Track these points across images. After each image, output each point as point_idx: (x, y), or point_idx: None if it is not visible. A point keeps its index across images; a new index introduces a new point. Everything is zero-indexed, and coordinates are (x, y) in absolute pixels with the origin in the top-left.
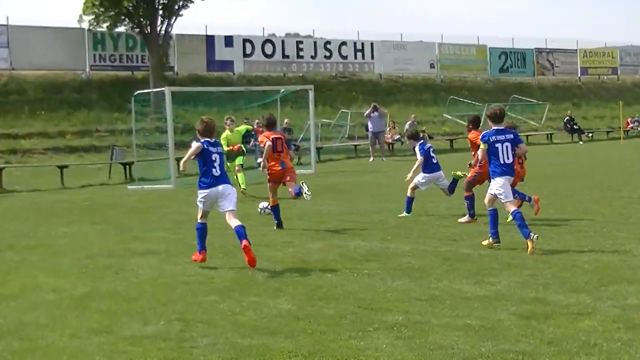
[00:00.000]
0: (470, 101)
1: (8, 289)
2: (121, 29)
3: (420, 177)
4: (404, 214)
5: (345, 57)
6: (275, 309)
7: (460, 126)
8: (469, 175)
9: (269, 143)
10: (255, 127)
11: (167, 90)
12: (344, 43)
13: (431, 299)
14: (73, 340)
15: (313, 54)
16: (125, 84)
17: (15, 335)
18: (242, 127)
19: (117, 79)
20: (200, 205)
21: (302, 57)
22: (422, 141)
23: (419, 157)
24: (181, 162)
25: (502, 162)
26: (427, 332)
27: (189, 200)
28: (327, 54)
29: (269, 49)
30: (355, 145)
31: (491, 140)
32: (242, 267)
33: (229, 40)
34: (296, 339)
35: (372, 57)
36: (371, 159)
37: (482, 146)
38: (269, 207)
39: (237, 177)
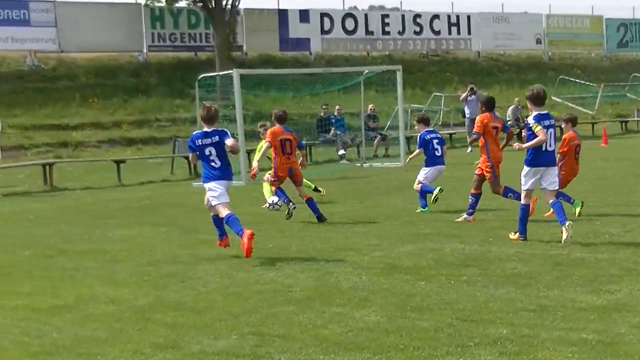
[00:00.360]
0: (583, 81)
1: (62, 300)
2: (182, 3)
3: (422, 173)
4: (419, 209)
5: (437, 33)
6: (361, 322)
7: (572, 111)
8: (480, 169)
9: (267, 144)
10: (336, 113)
11: (235, 73)
12: (436, 16)
13: (540, 310)
14: (135, 356)
15: (400, 30)
16: (187, 66)
17: (71, 351)
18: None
19: (178, 61)
20: (208, 195)
21: (388, 33)
22: (430, 129)
23: (418, 147)
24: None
25: (544, 148)
26: (535, 347)
27: (262, 199)
28: (417, 29)
29: (350, 24)
30: (450, 134)
31: (542, 124)
32: (323, 273)
33: (304, 15)
34: (386, 355)
35: (469, 32)
36: (469, 149)
37: (539, 127)
38: (277, 202)
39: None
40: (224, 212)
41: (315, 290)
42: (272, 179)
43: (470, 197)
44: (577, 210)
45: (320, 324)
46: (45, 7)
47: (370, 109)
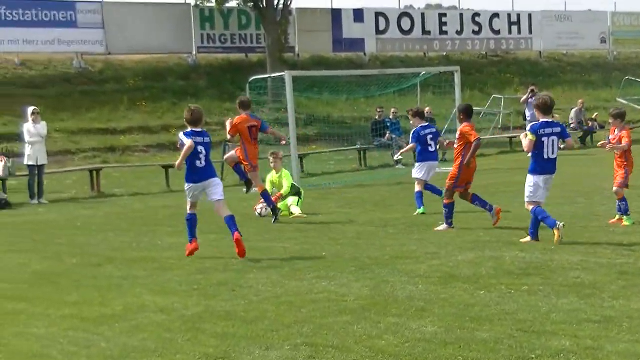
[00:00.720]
0: None
1: (110, 309)
2: (233, 3)
3: (415, 169)
4: (417, 211)
5: (497, 32)
6: (418, 332)
7: (637, 113)
8: (448, 178)
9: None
10: (392, 116)
11: (287, 75)
12: (496, 15)
13: (605, 321)
14: None
15: (459, 29)
16: (238, 68)
17: None
18: (286, 174)
19: (228, 63)
20: (187, 196)
21: (445, 32)
22: (426, 124)
23: (411, 141)
24: (176, 164)
25: (546, 157)
26: None
27: (315, 205)
28: (476, 28)
29: (406, 24)
30: (511, 138)
31: (539, 133)
32: (378, 282)
33: (358, 15)
34: None
35: (531, 32)
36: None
37: (530, 137)
38: (264, 206)
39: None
40: (187, 209)
41: (371, 300)
42: (250, 168)
43: (444, 208)
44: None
45: (375, 334)
46: (92, 8)
47: (428, 112)
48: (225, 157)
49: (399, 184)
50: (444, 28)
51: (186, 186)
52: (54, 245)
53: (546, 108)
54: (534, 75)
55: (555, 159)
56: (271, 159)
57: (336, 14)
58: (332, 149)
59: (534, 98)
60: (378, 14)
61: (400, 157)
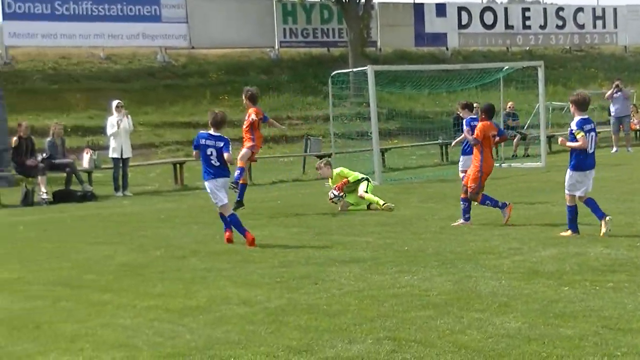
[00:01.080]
0: None
1: (194, 301)
2: None
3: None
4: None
5: (581, 27)
6: (502, 328)
7: None
8: (468, 177)
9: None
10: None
11: (369, 69)
12: (580, 9)
13: None
14: None
15: (542, 24)
16: (319, 62)
17: (204, 353)
18: (341, 172)
19: (310, 57)
20: (211, 196)
21: (528, 27)
22: (475, 116)
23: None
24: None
25: (588, 152)
26: None
27: (397, 199)
28: (560, 22)
29: (488, 18)
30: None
31: (584, 129)
32: (461, 277)
33: (441, 9)
34: None
35: (616, 26)
36: (614, 149)
37: (581, 133)
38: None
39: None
40: (226, 212)
41: (453, 295)
42: (253, 153)
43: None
44: None
45: (458, 329)
46: (176, 2)
47: (510, 107)
48: (240, 155)
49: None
50: (527, 22)
51: (206, 184)
52: (138, 238)
53: (584, 105)
54: (618, 70)
55: (594, 154)
56: (321, 165)
57: (418, 8)
58: (414, 144)
59: (618, 93)
60: (460, 8)
61: None
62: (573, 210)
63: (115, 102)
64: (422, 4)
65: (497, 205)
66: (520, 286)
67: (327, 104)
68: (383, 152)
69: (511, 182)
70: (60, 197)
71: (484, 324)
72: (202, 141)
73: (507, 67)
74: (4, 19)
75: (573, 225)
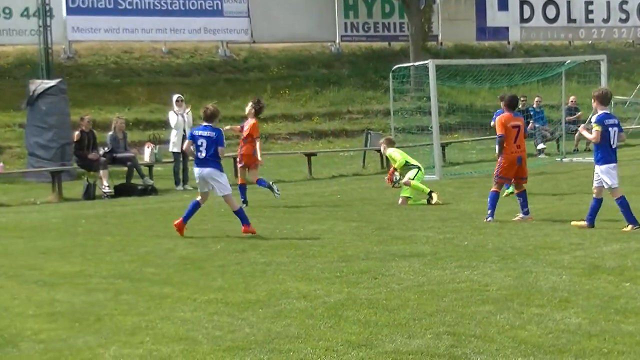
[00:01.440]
0: None
1: (254, 294)
2: None
3: None
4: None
5: None
6: (562, 323)
7: None
8: (496, 170)
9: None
10: (535, 105)
11: (430, 63)
12: None
13: None
14: (328, 354)
15: (605, 17)
16: (380, 56)
17: (264, 347)
18: (390, 155)
19: (371, 51)
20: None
21: (591, 20)
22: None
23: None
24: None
25: (612, 147)
26: None
27: (457, 194)
28: (623, 16)
29: (551, 12)
30: None
31: (605, 123)
32: (521, 272)
33: (503, 3)
34: (588, 359)
35: None
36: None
37: (597, 127)
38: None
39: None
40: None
41: (513, 290)
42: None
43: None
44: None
45: (518, 325)
46: None
47: (572, 102)
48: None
49: (541, 174)
50: (590, 16)
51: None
52: (199, 231)
53: (605, 99)
54: None
55: (616, 148)
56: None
57: (480, 2)
58: (474, 138)
59: None
60: (523, 2)
61: (543, 146)
62: (624, 202)
63: (175, 96)
64: None
65: (522, 210)
66: (581, 281)
67: (388, 98)
68: (443, 146)
69: (572, 176)
70: (121, 191)
71: (544, 320)
72: (196, 132)
73: (569, 61)
74: (67, 13)
75: (630, 217)
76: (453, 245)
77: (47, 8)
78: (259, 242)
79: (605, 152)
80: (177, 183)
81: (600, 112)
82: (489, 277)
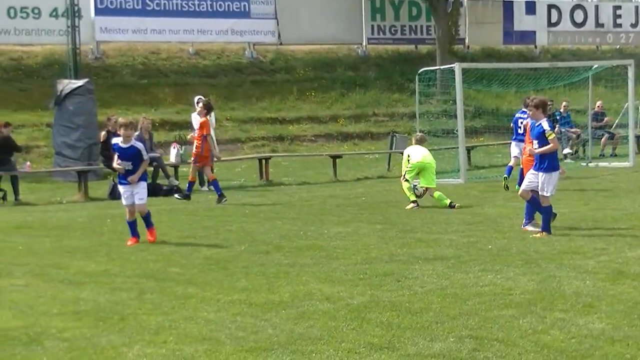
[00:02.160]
0: None
1: (277, 296)
2: None
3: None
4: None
5: None
6: (585, 328)
7: None
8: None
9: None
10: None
11: (457, 67)
12: None
13: None
14: (351, 356)
15: (634, 22)
16: (407, 59)
17: (287, 348)
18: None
19: (398, 54)
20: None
21: (619, 25)
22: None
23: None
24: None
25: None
26: None
27: (482, 198)
28: None
29: (579, 16)
30: None
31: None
32: (545, 277)
33: (530, 6)
34: None
35: None
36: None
37: (552, 136)
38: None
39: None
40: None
41: (537, 294)
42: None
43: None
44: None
45: (541, 329)
46: None
47: (599, 107)
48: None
49: (566, 178)
50: (618, 20)
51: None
52: (223, 232)
53: (546, 107)
54: None
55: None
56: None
57: (507, 5)
58: (500, 142)
59: None
60: (550, 6)
61: (569, 151)
62: (548, 211)
63: (196, 98)
64: (511, 2)
65: (528, 217)
66: (605, 287)
67: (414, 101)
68: (469, 150)
69: (599, 181)
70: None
71: (567, 324)
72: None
73: (596, 65)
74: (95, 14)
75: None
76: (477, 249)
77: (76, 8)
78: (283, 243)
79: (552, 160)
80: (201, 184)
81: (544, 119)
82: (513, 281)
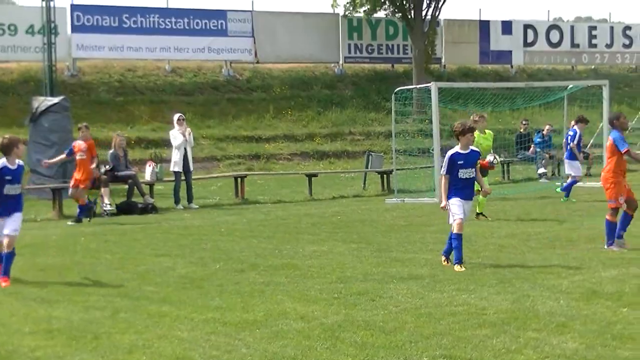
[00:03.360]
0: None
1: (252, 315)
2: (381, 14)
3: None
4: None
5: None
6: (558, 348)
7: None
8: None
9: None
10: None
11: (433, 86)
12: None
13: None
14: None
15: (609, 42)
16: (383, 78)
17: None
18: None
19: (374, 73)
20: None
21: (594, 45)
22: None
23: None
24: None
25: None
26: None
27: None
28: (627, 41)
29: (554, 36)
30: None
31: None
32: (519, 296)
33: (506, 27)
34: None
35: None
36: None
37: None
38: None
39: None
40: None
41: (510, 314)
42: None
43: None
44: None
45: (514, 349)
46: (242, 17)
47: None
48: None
49: (542, 198)
50: (594, 41)
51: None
52: (198, 250)
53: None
54: None
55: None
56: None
57: (484, 25)
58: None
59: None
60: (527, 26)
61: (544, 171)
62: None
63: (177, 115)
64: (488, 22)
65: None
66: (578, 306)
67: (390, 120)
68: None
69: (573, 201)
70: (122, 209)
71: (540, 344)
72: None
73: (571, 85)
74: (72, 31)
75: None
76: (451, 268)
77: (52, 25)
78: (258, 262)
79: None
80: (176, 202)
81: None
82: (487, 301)
